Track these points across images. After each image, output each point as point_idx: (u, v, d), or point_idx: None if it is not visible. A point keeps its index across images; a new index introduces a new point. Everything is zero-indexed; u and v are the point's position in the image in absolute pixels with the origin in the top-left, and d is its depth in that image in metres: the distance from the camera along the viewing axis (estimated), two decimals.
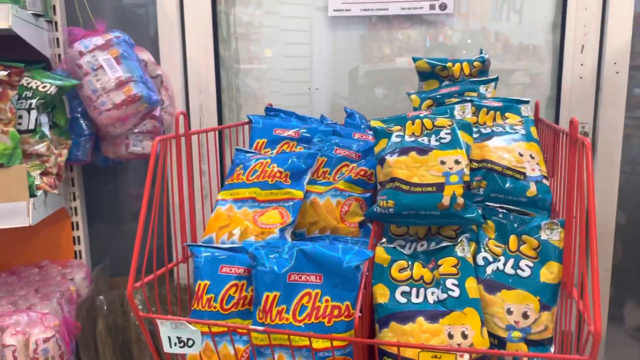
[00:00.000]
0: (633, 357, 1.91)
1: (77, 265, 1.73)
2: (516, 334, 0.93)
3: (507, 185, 1.06)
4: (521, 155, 1.09)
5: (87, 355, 1.66)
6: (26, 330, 1.35)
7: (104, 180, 1.92)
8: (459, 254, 0.98)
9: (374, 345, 0.92)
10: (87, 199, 1.84)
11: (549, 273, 0.93)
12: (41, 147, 1.40)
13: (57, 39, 1.60)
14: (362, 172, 1.19)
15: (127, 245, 1.93)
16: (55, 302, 1.48)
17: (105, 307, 1.70)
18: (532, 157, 1.10)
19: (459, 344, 0.89)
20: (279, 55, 1.81)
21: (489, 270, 0.99)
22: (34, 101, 1.39)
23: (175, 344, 0.89)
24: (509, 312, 0.94)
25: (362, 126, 1.40)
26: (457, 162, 1.01)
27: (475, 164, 1.08)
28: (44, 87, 1.41)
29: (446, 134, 1.05)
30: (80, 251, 1.79)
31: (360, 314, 0.85)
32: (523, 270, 0.95)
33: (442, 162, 1.01)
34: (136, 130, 1.64)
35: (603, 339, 1.79)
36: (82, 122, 1.58)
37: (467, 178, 1.00)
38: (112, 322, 1.73)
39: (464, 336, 0.90)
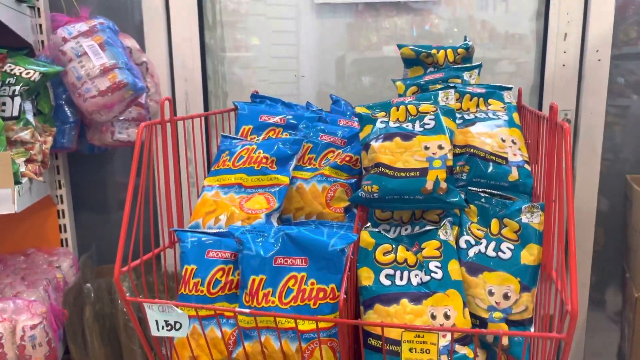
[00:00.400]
0: (614, 341, 1.96)
1: (64, 253, 1.73)
2: (497, 315, 0.95)
3: (490, 170, 1.07)
4: (503, 140, 1.11)
5: (74, 342, 1.66)
6: (13, 317, 1.34)
7: (90, 169, 1.91)
8: (442, 237, 1.00)
9: (359, 326, 0.94)
10: (73, 187, 1.84)
11: (529, 255, 0.96)
12: (25, 134, 1.39)
13: (40, 25, 1.59)
14: (347, 158, 1.20)
15: (113, 234, 1.93)
16: (42, 289, 1.48)
17: (92, 295, 1.71)
18: (514, 143, 1.11)
19: (441, 325, 0.91)
20: (265, 43, 1.81)
21: (471, 253, 1.01)
22: (17, 88, 1.38)
23: (163, 327, 0.90)
24: (491, 293, 0.96)
25: (348, 113, 1.41)
26: (440, 147, 1.02)
27: (458, 149, 1.10)
28: (27, 73, 1.40)
29: (430, 119, 1.06)
30: (66, 239, 1.79)
31: (345, 296, 0.87)
32: (504, 253, 0.97)
33: (426, 148, 1.03)
34: (122, 118, 1.63)
35: (584, 322, 1.84)
36: (66, 109, 1.57)
37: (450, 163, 1.01)
38: (100, 310, 1.73)
39: (447, 317, 0.92)
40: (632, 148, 1.81)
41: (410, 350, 0.83)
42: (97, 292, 1.72)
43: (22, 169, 1.36)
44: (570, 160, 0.81)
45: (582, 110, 1.69)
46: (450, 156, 1.02)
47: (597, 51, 1.66)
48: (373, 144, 1.07)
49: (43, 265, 1.63)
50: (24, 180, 1.36)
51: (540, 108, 1.73)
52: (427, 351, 0.82)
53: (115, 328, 1.76)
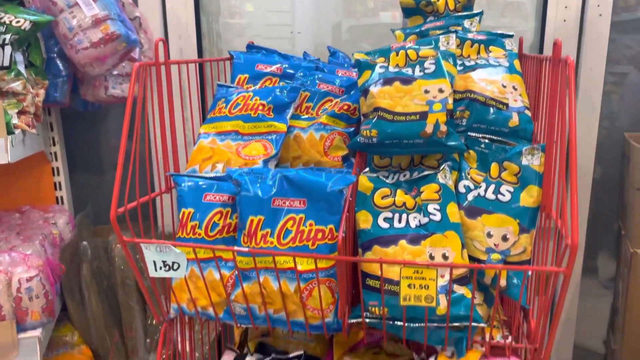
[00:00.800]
0: (606, 306, 1.99)
1: (60, 211, 1.72)
2: (495, 256, 0.95)
3: (490, 115, 1.06)
4: (504, 86, 1.09)
5: (72, 299, 1.66)
6: (8, 269, 1.34)
7: (85, 128, 1.88)
8: (441, 180, 0.99)
9: (358, 266, 0.94)
10: (68, 147, 1.81)
11: (529, 197, 0.95)
12: (17, 85, 1.36)
13: None
14: (345, 107, 1.18)
15: (109, 195, 1.91)
16: (38, 243, 1.47)
17: (89, 253, 1.70)
18: (515, 89, 1.10)
19: None
20: (260, 10, 1.76)
21: (470, 197, 1.00)
22: (7, 37, 1.34)
23: (161, 268, 0.90)
24: (489, 235, 0.96)
25: (346, 64, 1.39)
26: (440, 90, 1.01)
27: (458, 94, 1.08)
28: (17, 22, 1.36)
29: (430, 64, 1.05)
30: (62, 197, 1.78)
31: (343, 235, 0.86)
32: (503, 195, 0.97)
33: (426, 91, 1.01)
34: (115, 73, 1.60)
35: (577, 289, 1.85)
36: (58, 62, 1.53)
37: (450, 106, 1.00)
38: (97, 268, 1.73)
39: (445, 258, 0.92)
40: (631, 106, 1.80)
41: (409, 286, 0.83)
42: (94, 251, 1.72)
43: (15, 120, 1.34)
44: (574, 95, 0.80)
45: (581, 67, 1.67)
46: (450, 100, 1.00)
47: (598, 6, 1.63)
48: (372, 89, 1.05)
49: (39, 221, 1.62)
50: (17, 131, 1.33)
51: None
52: (426, 287, 0.82)
53: (112, 286, 1.76)
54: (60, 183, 1.77)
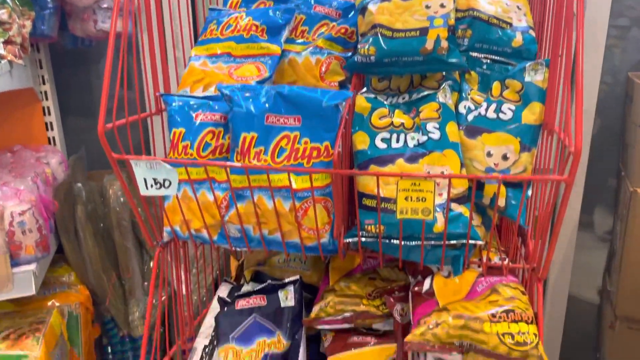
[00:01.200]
0: (601, 258, 1.99)
1: (52, 151, 1.69)
2: (495, 176, 0.93)
3: (493, 34, 1.02)
4: (508, 5, 1.04)
5: (67, 239, 1.65)
6: (0, 203, 1.32)
7: (76, 70, 1.84)
8: (441, 99, 0.96)
9: (354, 186, 0.91)
10: (60, 90, 1.77)
11: (531, 114, 0.92)
12: (2, 13, 1.31)
13: None
14: (342, 30, 1.13)
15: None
16: (30, 180, 1.45)
17: (83, 195, 1.68)
18: (519, 9, 1.05)
19: (437, 184, 0.89)
20: None
21: (470, 117, 0.97)
22: None
23: (152, 186, 0.87)
24: (489, 154, 0.93)
25: None
26: (442, 5, 0.96)
27: (460, 13, 1.04)
28: None
29: None
30: (54, 137, 1.75)
31: (339, 150, 0.83)
32: (505, 114, 0.94)
33: (427, 7, 0.97)
34: (104, 6, 1.55)
35: (573, 242, 1.84)
36: None
37: (452, 22, 0.96)
38: (92, 210, 1.71)
39: None
40: (636, 45, 1.75)
41: (406, 199, 0.81)
42: (89, 194, 1.70)
43: (1, 50, 1.30)
44: (582, 4, 0.76)
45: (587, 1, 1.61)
46: (452, 15, 0.96)
47: None
48: (370, 6, 1.00)
49: (30, 160, 1.59)
50: (3, 62, 1.29)
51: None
52: (423, 199, 0.80)
53: (108, 228, 1.75)
54: (51, 123, 1.73)
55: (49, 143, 1.75)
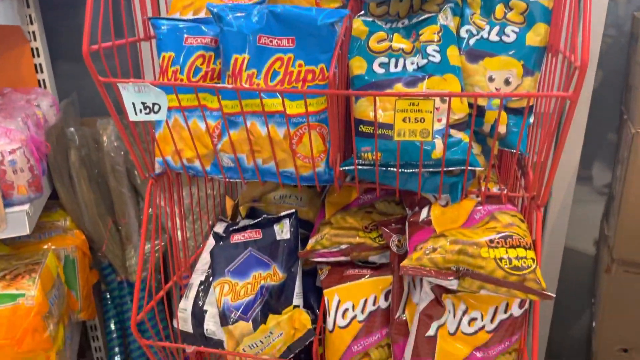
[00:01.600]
0: (598, 211, 1.98)
1: (42, 93, 1.65)
2: (496, 102, 0.90)
3: None
4: None
5: (61, 183, 1.63)
6: None
7: (65, 14, 1.77)
8: (442, 21, 0.92)
9: (350, 115, 0.88)
10: (50, 35, 1.71)
11: (536, 36, 0.88)
12: None
13: None
14: None
15: (95, 89, 1.84)
16: (21, 120, 1.41)
17: (77, 139, 1.65)
18: None
19: (437, 109, 0.86)
20: None
21: (472, 41, 0.93)
22: None
23: (141, 111, 0.84)
24: (491, 79, 0.90)
25: None
26: None
27: None
28: None
29: None
30: (44, 80, 1.70)
31: (335, 70, 0.80)
32: (508, 36, 0.90)
33: None
34: None
35: (570, 195, 1.82)
36: None
37: None
38: (86, 156, 1.69)
39: (443, 100, 0.87)
40: None
41: (404, 120, 0.78)
42: (82, 139, 1.67)
43: None
44: None
45: None
46: None
47: None
48: None
49: (20, 101, 1.55)
50: None
51: None
52: (422, 120, 0.77)
53: (103, 174, 1.73)
54: (41, 65, 1.68)
55: (39, 86, 1.70)
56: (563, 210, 1.84)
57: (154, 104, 0.84)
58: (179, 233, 1.31)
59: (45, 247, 1.55)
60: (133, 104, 0.84)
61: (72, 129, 1.64)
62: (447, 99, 0.87)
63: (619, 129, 1.82)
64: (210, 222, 1.62)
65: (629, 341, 1.71)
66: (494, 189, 0.96)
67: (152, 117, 0.84)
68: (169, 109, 0.92)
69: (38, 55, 1.66)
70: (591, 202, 2.02)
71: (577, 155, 1.73)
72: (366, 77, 0.91)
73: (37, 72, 1.68)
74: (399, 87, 0.88)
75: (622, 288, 1.70)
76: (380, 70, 0.91)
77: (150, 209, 1.31)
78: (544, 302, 1.94)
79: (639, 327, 1.69)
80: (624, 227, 1.62)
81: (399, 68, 0.90)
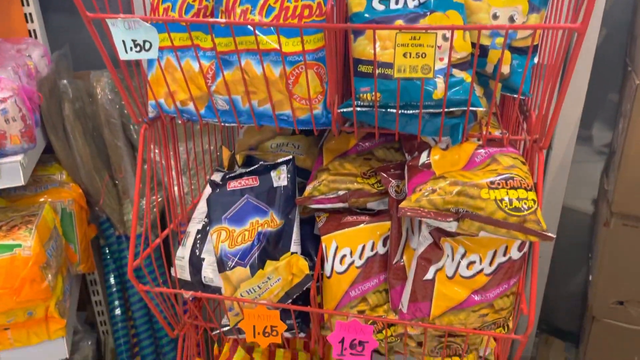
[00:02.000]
0: (597, 171, 1.96)
1: (33, 44, 1.60)
2: (500, 40, 0.87)
3: None
4: None
5: (56, 136, 1.61)
6: None
7: None
8: None
9: (348, 53, 0.85)
10: None
11: None
12: None
13: None
14: None
15: (88, 40, 1.79)
16: (11, 70, 1.38)
17: (70, 92, 1.62)
18: None
19: (439, 46, 0.83)
20: None
21: None
22: None
23: (131, 49, 0.81)
24: (495, 17, 0.87)
25: None
26: None
27: None
28: None
29: None
30: (34, 30, 1.65)
31: (332, 3, 0.77)
32: None
33: None
34: None
35: (570, 154, 1.80)
36: None
37: None
38: (80, 109, 1.66)
39: (445, 39, 0.84)
40: None
41: (404, 55, 0.75)
42: (76, 92, 1.64)
43: None
44: None
45: None
46: None
47: None
48: None
49: (11, 51, 1.51)
50: None
51: None
52: (423, 55, 0.75)
53: (97, 127, 1.70)
54: (31, 15, 1.63)
55: (30, 36, 1.65)
56: (562, 169, 1.82)
57: (144, 41, 0.81)
58: (176, 189, 1.30)
59: (42, 199, 1.54)
60: (123, 41, 0.81)
61: (65, 81, 1.60)
62: (449, 37, 0.84)
63: (622, 85, 1.78)
64: (207, 177, 1.60)
65: (625, 294, 1.73)
66: (496, 133, 0.94)
67: (143, 55, 0.81)
68: (161, 49, 0.89)
69: (27, 4, 1.61)
70: (590, 162, 2.00)
71: (578, 114, 1.71)
72: (366, 15, 0.87)
73: (27, 21, 1.63)
74: (400, 23, 0.84)
75: (619, 241, 1.70)
76: (380, 7, 0.87)
77: (145, 165, 1.28)
78: (541, 257, 1.95)
79: (635, 279, 1.70)
80: (624, 180, 1.61)
81: (400, 5, 0.87)
